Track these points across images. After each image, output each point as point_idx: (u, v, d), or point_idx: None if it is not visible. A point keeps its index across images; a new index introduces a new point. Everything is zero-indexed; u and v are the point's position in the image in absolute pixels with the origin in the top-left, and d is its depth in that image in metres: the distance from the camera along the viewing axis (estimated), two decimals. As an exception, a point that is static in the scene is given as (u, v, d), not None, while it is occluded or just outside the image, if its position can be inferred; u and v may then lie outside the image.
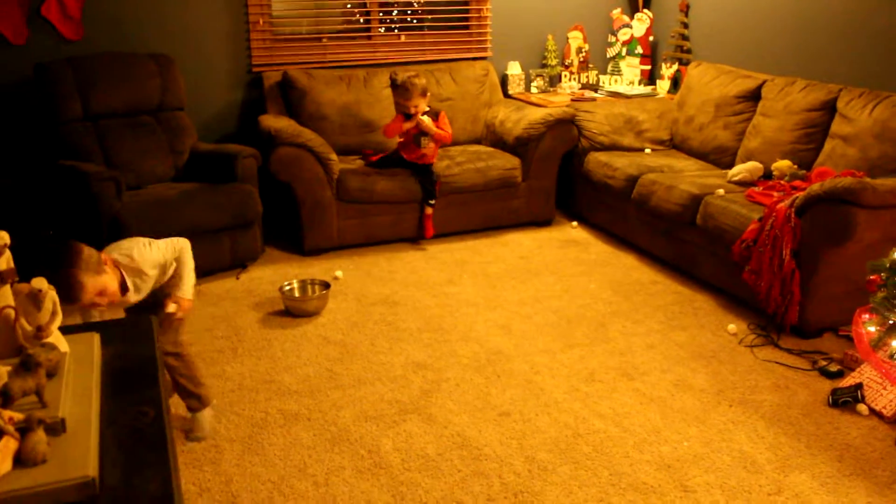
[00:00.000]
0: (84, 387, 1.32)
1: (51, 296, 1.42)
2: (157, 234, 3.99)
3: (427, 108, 4.72)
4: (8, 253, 1.39)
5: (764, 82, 4.65)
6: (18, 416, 1.18)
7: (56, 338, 1.44)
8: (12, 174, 4.62)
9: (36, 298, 1.42)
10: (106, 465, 1.15)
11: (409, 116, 4.69)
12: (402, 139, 4.81)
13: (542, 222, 5.21)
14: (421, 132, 4.72)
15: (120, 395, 1.35)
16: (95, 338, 1.51)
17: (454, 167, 4.85)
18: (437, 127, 4.74)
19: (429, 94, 4.74)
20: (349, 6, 5.55)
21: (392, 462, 2.72)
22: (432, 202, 4.78)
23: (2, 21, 4.46)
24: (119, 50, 4.70)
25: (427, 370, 3.36)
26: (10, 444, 1.14)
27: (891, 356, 2.72)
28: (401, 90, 4.64)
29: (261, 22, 5.08)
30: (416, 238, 4.87)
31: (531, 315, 3.89)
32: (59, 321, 1.44)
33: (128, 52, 4.70)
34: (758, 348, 3.55)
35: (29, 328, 1.40)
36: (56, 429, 1.20)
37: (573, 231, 5.14)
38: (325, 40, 5.36)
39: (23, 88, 4.57)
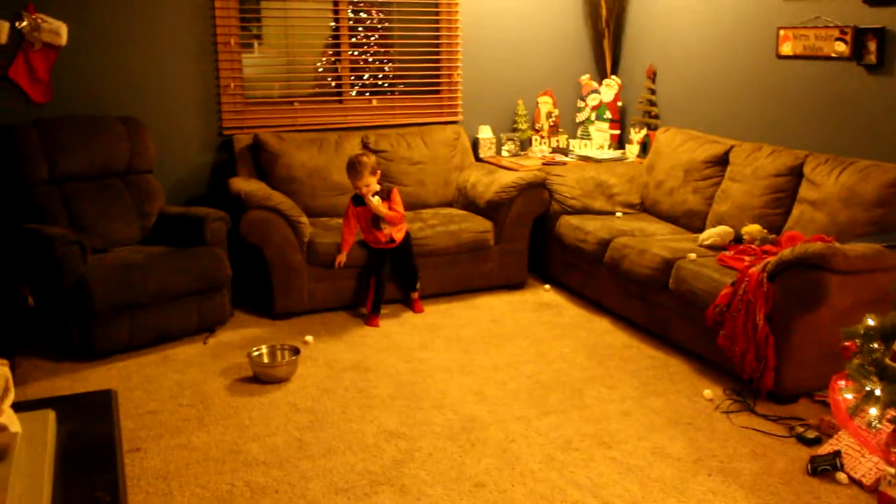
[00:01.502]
0: (36, 470, 1.24)
1: (2, 373, 1.34)
2: (123, 299, 3.93)
3: (378, 187, 4.53)
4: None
5: (731, 147, 4.72)
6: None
7: (8, 416, 1.36)
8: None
9: (-12, 376, 1.34)
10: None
11: (359, 200, 4.52)
12: (362, 227, 4.61)
13: (515, 285, 5.18)
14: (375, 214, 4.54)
15: (74, 479, 1.27)
16: (51, 415, 1.43)
17: (426, 229, 4.82)
18: (390, 208, 4.54)
19: (379, 172, 4.58)
20: (321, 70, 5.58)
21: (363, 538, 2.62)
22: (417, 286, 4.76)
23: (-32, 83, 4.42)
24: (88, 113, 4.66)
25: (399, 439, 3.27)
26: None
27: (868, 424, 2.69)
28: (350, 170, 4.48)
29: (232, 85, 5.08)
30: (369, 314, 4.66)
31: (505, 381, 3.82)
32: (10, 399, 1.36)
33: (97, 114, 4.66)
34: (734, 414, 3.51)
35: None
36: (4, 519, 1.12)
37: (546, 294, 5.12)
38: (296, 104, 5.36)
39: (-13, 150, 4.50)
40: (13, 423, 1.35)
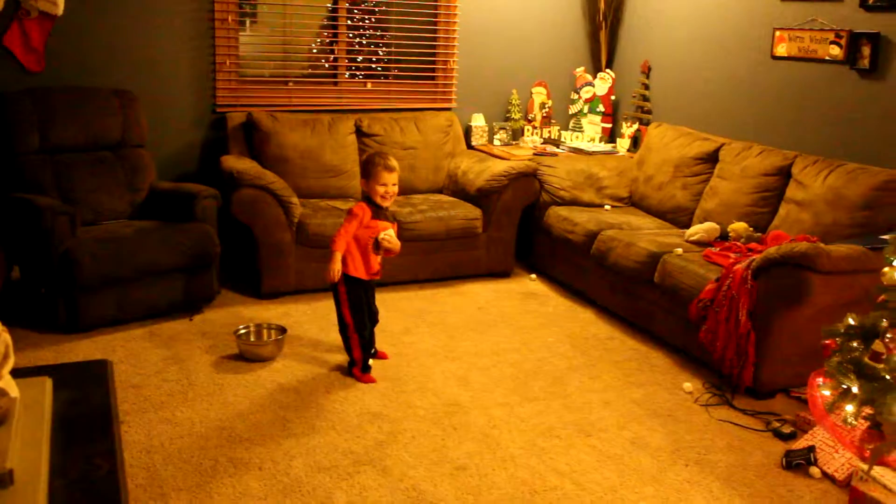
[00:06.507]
0: (34, 436, 1.26)
1: (3, 339, 1.36)
2: (110, 272, 3.93)
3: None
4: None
5: (722, 145, 4.77)
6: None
7: (6, 382, 1.38)
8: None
9: (-13, 340, 1.36)
10: (55, 520, 1.10)
11: (376, 208, 3.62)
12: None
13: (502, 274, 5.22)
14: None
15: (72, 446, 1.29)
16: (48, 383, 1.45)
17: (416, 214, 4.84)
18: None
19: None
20: (316, 51, 5.57)
21: (345, 516, 2.66)
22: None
23: (-39, 49, 4.39)
24: (81, 84, 4.64)
25: (383, 420, 3.31)
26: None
27: (844, 421, 2.74)
28: (376, 165, 3.59)
29: (227, 63, 5.07)
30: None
31: (489, 367, 3.86)
32: (10, 364, 1.38)
33: (90, 86, 4.64)
34: (713, 408, 3.56)
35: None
36: (4, 481, 1.14)
37: (532, 284, 5.16)
38: (290, 84, 5.36)
39: (-22, 118, 4.47)
40: (12, 388, 1.37)
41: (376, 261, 3.70)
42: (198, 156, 5.13)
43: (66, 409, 1.41)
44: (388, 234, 3.64)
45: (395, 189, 3.64)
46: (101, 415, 1.41)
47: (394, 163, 3.62)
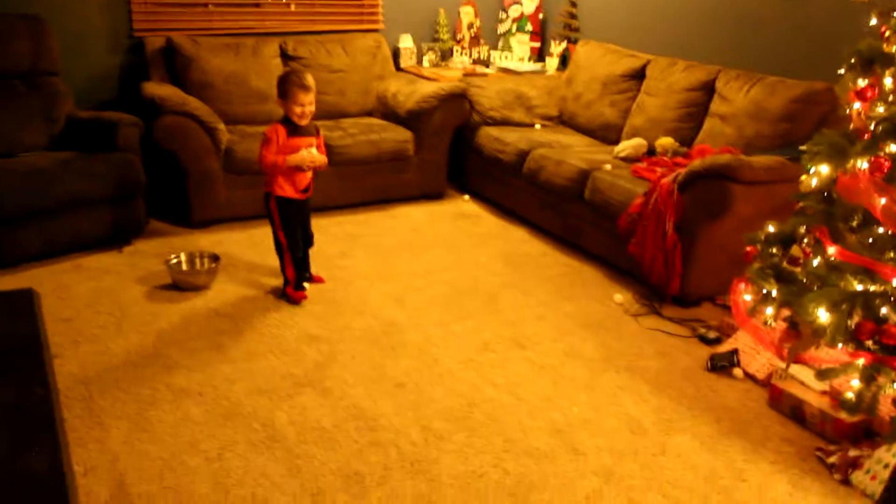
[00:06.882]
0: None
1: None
2: (30, 204, 3.80)
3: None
4: None
5: (648, 62, 4.81)
6: None
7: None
8: None
9: None
10: (-8, 441, 1.09)
11: (294, 127, 3.57)
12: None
13: (434, 195, 5.23)
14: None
15: (3, 375, 1.27)
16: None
17: (347, 138, 4.79)
18: (318, 148, 3.70)
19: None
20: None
21: (287, 435, 2.69)
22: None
23: None
24: (-15, 8, 4.39)
25: (321, 343, 3.33)
26: None
27: (764, 323, 2.87)
28: (291, 83, 3.51)
29: (142, -17, 4.85)
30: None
31: (424, 288, 3.91)
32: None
33: (-5, 11, 4.39)
34: (642, 317, 3.69)
35: None
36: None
37: (465, 205, 5.19)
38: (210, 6, 5.16)
39: None
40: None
41: (304, 177, 3.67)
42: (116, 82, 4.94)
43: (-6, 338, 1.39)
44: (310, 152, 3.61)
45: (312, 108, 3.57)
46: (31, 344, 1.39)
47: (310, 81, 3.54)
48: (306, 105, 3.54)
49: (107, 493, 2.37)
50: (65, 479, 1.01)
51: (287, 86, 3.52)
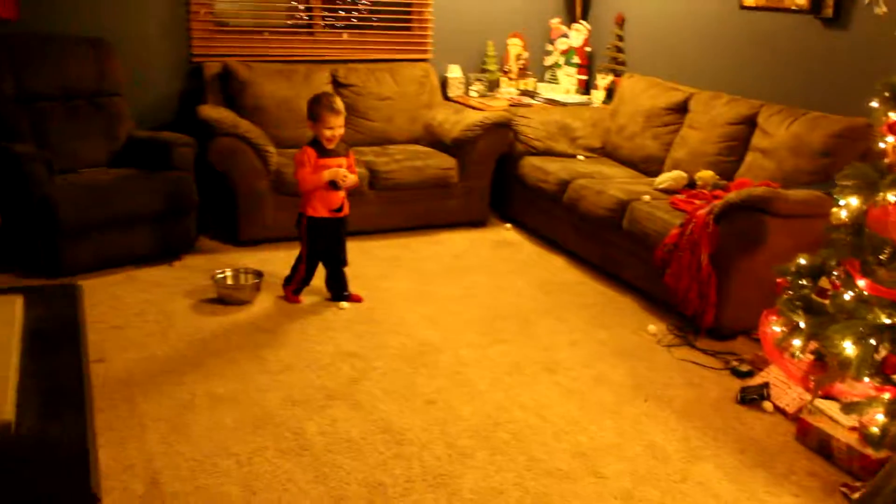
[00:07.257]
0: (3, 343, 1.35)
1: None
2: (89, 218, 4.00)
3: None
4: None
5: (691, 95, 4.85)
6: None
7: (-21, 298, 1.47)
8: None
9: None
10: (24, 412, 1.19)
11: (323, 149, 3.74)
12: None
13: (477, 223, 5.31)
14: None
15: (41, 354, 1.39)
16: (18, 300, 1.54)
17: (392, 164, 4.92)
18: (349, 168, 3.90)
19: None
20: (293, 1, 5.58)
21: (316, 444, 2.78)
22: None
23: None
24: (56, 32, 4.65)
25: (356, 359, 3.42)
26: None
27: (792, 354, 2.87)
28: (320, 106, 3.70)
29: (202, 12, 5.08)
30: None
31: (460, 311, 3.98)
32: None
33: (64, 34, 4.65)
34: (675, 348, 3.70)
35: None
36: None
37: (506, 232, 5.26)
38: (266, 34, 5.38)
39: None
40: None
41: (337, 197, 3.84)
42: (175, 105, 5.16)
43: (36, 324, 1.51)
44: (342, 171, 3.78)
45: (342, 131, 3.76)
46: (70, 330, 1.51)
47: (340, 105, 3.70)
48: (336, 128, 3.71)
49: (142, 488, 2.49)
50: (87, 448, 1.11)
51: (318, 109, 3.70)
